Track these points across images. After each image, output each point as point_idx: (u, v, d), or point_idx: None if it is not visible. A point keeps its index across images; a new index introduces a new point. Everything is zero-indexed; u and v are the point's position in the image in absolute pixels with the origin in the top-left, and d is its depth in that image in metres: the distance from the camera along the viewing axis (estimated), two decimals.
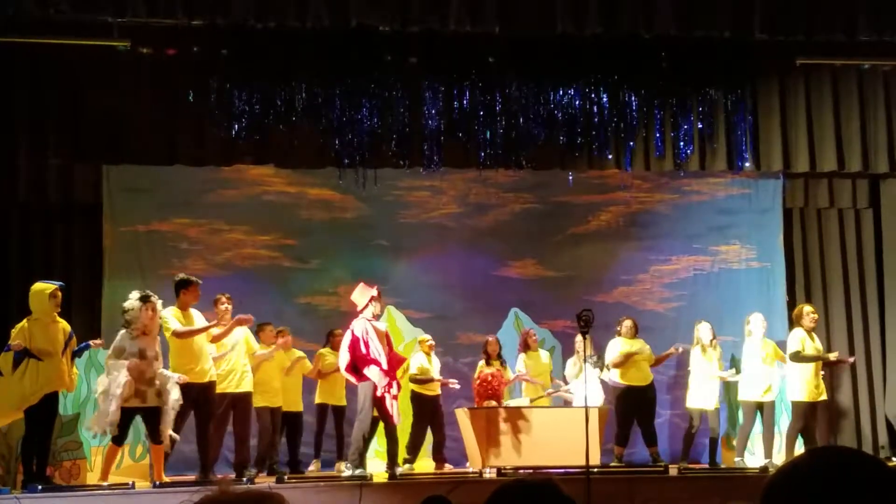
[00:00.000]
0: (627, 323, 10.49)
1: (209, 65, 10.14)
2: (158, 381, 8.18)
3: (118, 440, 8.20)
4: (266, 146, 10.40)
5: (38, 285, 8.34)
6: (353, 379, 8.85)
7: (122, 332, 8.23)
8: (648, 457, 10.29)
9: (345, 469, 8.81)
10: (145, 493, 8.03)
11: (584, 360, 9.51)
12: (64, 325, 8.37)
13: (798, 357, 9.87)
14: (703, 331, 10.18)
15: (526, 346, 10.55)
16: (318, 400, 10.23)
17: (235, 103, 10.20)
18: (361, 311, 8.86)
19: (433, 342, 10.43)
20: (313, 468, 10.08)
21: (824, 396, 10.02)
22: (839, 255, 11.80)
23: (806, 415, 9.87)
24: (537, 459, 8.99)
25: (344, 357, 8.83)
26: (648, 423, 10.31)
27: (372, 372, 8.65)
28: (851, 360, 10.87)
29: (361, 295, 8.93)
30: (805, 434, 10.01)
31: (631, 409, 10.28)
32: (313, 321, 10.88)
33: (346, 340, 8.84)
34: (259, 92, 10.24)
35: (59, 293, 8.33)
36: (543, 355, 10.60)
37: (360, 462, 8.72)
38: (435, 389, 10.27)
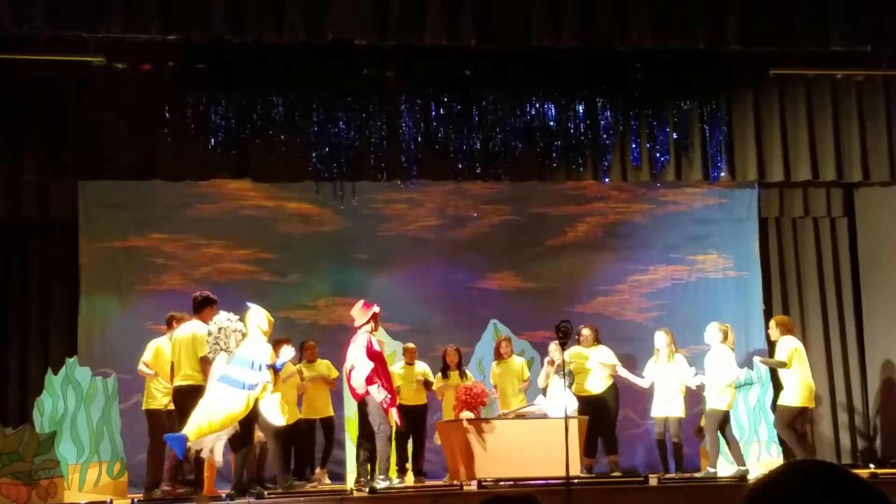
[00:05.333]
0: (585, 332, 10.33)
1: (185, 79, 10.12)
2: None
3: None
4: (243, 160, 10.39)
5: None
6: (364, 389, 8.84)
7: (224, 355, 8.24)
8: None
9: (378, 482, 8.77)
10: None
11: (556, 372, 9.49)
12: None
13: (765, 360, 9.99)
14: (660, 339, 10.09)
15: (498, 355, 10.50)
16: (302, 416, 9.98)
17: (212, 118, 10.20)
18: (361, 326, 8.90)
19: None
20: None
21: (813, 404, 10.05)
22: (815, 264, 11.90)
23: (798, 420, 9.84)
24: (518, 471, 8.97)
25: (366, 367, 8.78)
26: (608, 431, 10.20)
27: (373, 388, 8.76)
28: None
29: (363, 313, 8.97)
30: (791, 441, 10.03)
31: (590, 418, 10.21)
32: (293, 336, 10.81)
33: (360, 352, 8.81)
34: (236, 106, 10.23)
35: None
36: (517, 360, 10.51)
37: (389, 473, 8.90)
38: (422, 399, 10.24)
